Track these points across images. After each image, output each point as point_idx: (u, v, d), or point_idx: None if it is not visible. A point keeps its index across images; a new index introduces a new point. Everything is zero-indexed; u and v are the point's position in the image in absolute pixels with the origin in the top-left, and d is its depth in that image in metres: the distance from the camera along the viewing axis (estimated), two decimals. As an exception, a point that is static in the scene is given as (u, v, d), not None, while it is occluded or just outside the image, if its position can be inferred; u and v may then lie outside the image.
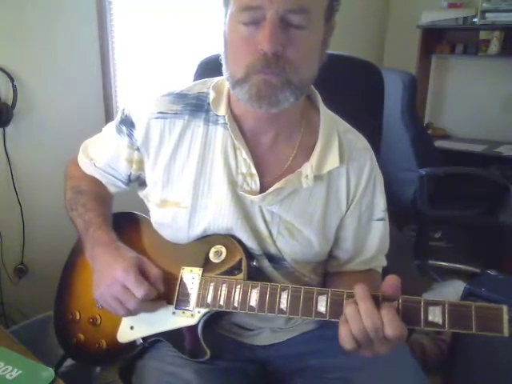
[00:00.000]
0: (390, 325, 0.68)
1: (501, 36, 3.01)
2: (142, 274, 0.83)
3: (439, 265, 2.74)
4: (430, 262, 2.74)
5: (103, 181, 1.01)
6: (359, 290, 0.71)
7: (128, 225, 1.01)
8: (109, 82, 1.94)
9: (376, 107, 1.33)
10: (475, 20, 3.04)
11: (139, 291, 0.81)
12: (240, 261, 0.85)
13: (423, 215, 2.59)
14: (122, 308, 0.83)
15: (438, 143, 3.07)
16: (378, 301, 0.71)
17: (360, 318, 0.69)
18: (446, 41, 3.28)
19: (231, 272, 0.84)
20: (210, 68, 1.24)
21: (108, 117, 1.96)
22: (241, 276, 0.83)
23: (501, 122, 3.23)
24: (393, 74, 2.34)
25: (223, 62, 0.82)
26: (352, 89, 1.28)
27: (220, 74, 0.89)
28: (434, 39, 3.29)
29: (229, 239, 0.87)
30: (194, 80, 1.22)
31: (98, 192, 1.00)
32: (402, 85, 2.33)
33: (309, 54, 0.79)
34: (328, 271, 1.01)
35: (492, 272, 2.24)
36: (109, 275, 0.83)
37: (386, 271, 1.03)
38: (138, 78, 2.07)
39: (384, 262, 1.02)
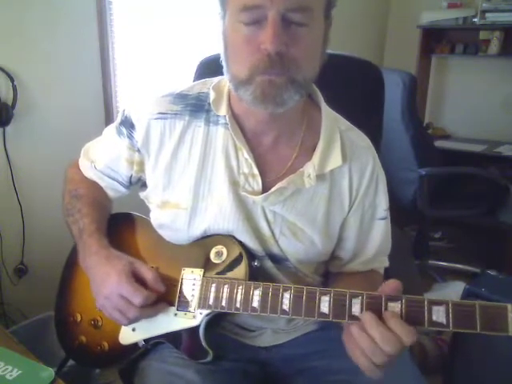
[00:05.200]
0: (407, 336, 0.67)
1: (501, 36, 3.02)
2: (138, 278, 0.83)
3: (439, 265, 2.75)
4: (431, 262, 2.74)
5: (102, 185, 1.01)
6: (367, 317, 0.70)
7: (128, 226, 1.00)
8: (109, 82, 1.94)
9: (376, 107, 1.33)
10: (475, 20, 3.05)
11: (137, 299, 0.80)
12: (241, 261, 0.84)
13: (423, 215, 2.59)
14: (124, 318, 0.83)
15: (438, 143, 3.07)
16: (380, 301, 0.71)
17: (378, 347, 0.68)
18: (445, 41, 3.28)
19: (232, 272, 0.84)
20: (210, 68, 1.24)
21: (108, 117, 1.96)
22: (242, 276, 0.83)
23: (501, 121, 3.23)
24: (393, 74, 2.34)
25: (223, 62, 0.81)
26: (352, 89, 1.28)
27: (220, 73, 0.88)
28: (434, 39, 3.29)
29: (230, 239, 0.87)
30: (194, 80, 1.22)
31: (96, 196, 0.99)
32: (402, 85, 2.33)
33: (311, 51, 0.78)
34: (330, 271, 1.01)
35: (492, 272, 2.24)
36: (105, 287, 0.83)
37: (386, 271, 1.03)
38: (138, 78, 2.07)
39: (386, 263, 1.01)
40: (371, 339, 0.69)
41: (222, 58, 0.81)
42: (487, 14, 2.98)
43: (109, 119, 1.95)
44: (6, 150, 1.67)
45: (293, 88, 0.77)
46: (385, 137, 1.35)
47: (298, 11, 0.73)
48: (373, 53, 3.45)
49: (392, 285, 0.72)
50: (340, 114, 0.96)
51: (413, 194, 2.47)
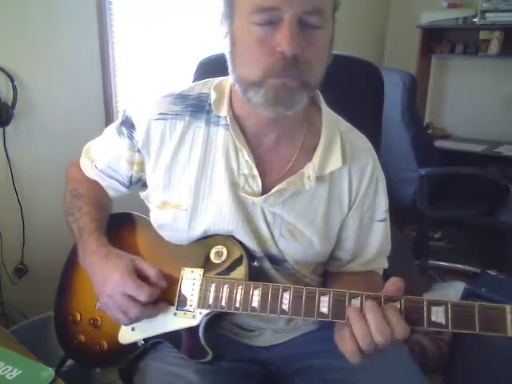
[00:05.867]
0: (398, 328, 0.68)
1: (501, 36, 3.02)
2: (140, 275, 0.83)
3: (439, 265, 2.75)
4: (430, 262, 2.74)
5: (103, 184, 1.00)
6: (368, 303, 0.71)
7: (128, 226, 1.00)
8: (109, 82, 1.94)
9: (376, 107, 1.33)
10: (475, 20, 3.05)
11: (142, 295, 0.80)
12: (241, 261, 0.84)
13: (423, 215, 2.59)
14: (125, 317, 0.82)
15: (438, 143, 3.07)
16: (380, 301, 0.71)
17: (370, 335, 0.69)
18: (446, 41, 3.28)
19: (232, 272, 0.84)
20: (209, 68, 1.24)
21: (108, 117, 1.96)
22: (242, 276, 0.83)
23: (501, 122, 3.23)
24: (393, 74, 2.34)
25: (230, 63, 0.80)
26: (352, 89, 1.28)
27: (220, 74, 0.88)
28: (434, 39, 3.29)
29: (230, 240, 0.87)
30: (194, 80, 1.22)
31: (97, 196, 0.99)
32: (402, 85, 2.33)
33: (323, 53, 0.78)
34: (329, 271, 1.01)
35: (492, 272, 2.24)
36: (107, 286, 0.83)
37: (386, 271, 1.03)
38: (138, 78, 2.07)
39: (385, 264, 1.01)
40: (366, 325, 0.69)
41: (228, 58, 0.80)
42: (487, 14, 2.98)
43: (109, 119, 1.95)
44: (6, 150, 1.67)
45: (305, 91, 0.77)
46: (385, 137, 1.35)
47: (313, 14, 0.72)
48: (373, 53, 3.45)
49: (394, 285, 0.72)
50: (340, 115, 0.96)
51: (413, 194, 2.47)
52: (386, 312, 0.69)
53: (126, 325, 0.87)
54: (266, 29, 0.73)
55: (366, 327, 0.69)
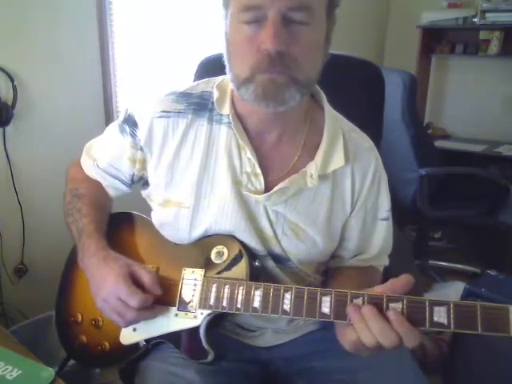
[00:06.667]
0: (409, 338, 0.67)
1: (501, 36, 3.02)
2: (135, 281, 0.83)
3: (439, 265, 2.74)
4: (430, 262, 2.73)
5: (104, 184, 1.00)
6: (367, 311, 0.70)
7: (129, 226, 1.00)
8: (109, 82, 1.94)
9: (376, 107, 1.33)
10: (475, 20, 3.05)
11: (134, 301, 0.79)
12: (242, 261, 0.84)
13: (423, 215, 2.59)
14: (122, 320, 0.82)
15: (438, 143, 3.07)
16: (381, 301, 0.70)
17: (372, 334, 0.69)
18: (446, 41, 3.28)
19: (233, 273, 0.84)
20: (210, 68, 1.24)
21: (108, 117, 1.96)
22: (243, 276, 0.82)
23: (501, 121, 3.23)
24: (393, 74, 2.34)
25: (226, 62, 0.82)
26: (352, 89, 1.28)
27: (220, 73, 0.88)
28: (434, 39, 3.29)
29: (230, 239, 0.87)
30: (194, 80, 1.22)
31: (97, 196, 0.99)
32: (402, 85, 2.33)
33: (312, 50, 0.78)
34: (328, 267, 1.01)
35: (492, 272, 2.25)
36: (102, 289, 0.83)
37: (386, 271, 1.03)
38: (138, 77, 2.07)
39: (386, 262, 1.02)
40: (371, 333, 0.69)
41: (225, 57, 0.82)
42: (487, 14, 2.98)
43: (109, 119, 1.95)
44: (6, 150, 1.67)
45: (294, 87, 0.77)
46: (385, 137, 1.35)
47: (298, 10, 0.73)
48: (373, 53, 3.45)
49: (401, 281, 0.71)
50: (340, 114, 0.96)
51: (413, 194, 2.47)
52: (391, 323, 0.68)
53: (123, 327, 0.87)
54: (253, 27, 0.74)
55: (371, 334, 0.69)
